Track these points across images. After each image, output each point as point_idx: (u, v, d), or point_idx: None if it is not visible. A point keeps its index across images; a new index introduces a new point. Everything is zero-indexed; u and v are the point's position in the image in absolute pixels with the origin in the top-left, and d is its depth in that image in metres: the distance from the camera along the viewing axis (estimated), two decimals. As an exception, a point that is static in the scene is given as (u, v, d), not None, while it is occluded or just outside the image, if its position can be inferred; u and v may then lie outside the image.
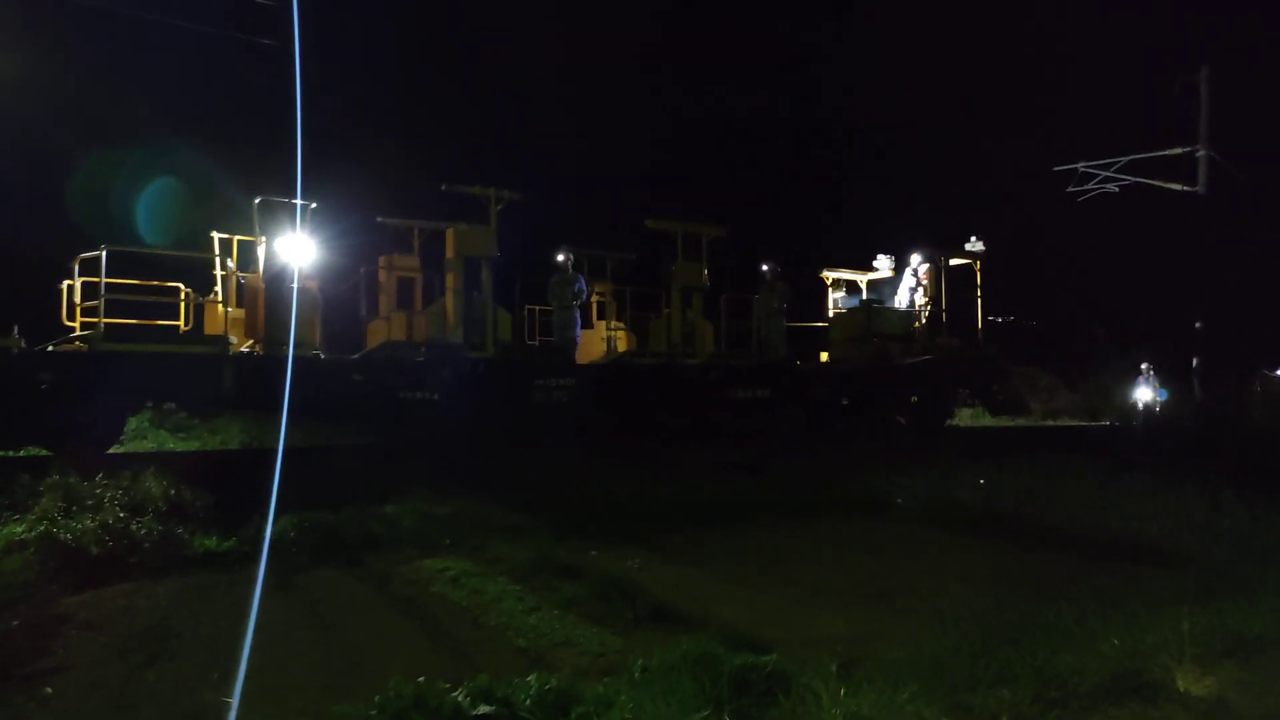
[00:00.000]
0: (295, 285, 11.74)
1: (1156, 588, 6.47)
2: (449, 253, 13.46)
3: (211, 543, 7.75)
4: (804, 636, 5.70)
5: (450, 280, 13.37)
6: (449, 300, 13.37)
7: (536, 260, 15.88)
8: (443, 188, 13.27)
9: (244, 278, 12.39)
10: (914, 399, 18.30)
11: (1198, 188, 22.24)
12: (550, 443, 13.43)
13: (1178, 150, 22.56)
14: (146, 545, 7.34)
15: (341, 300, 13.80)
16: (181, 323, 11.82)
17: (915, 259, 18.94)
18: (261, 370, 11.46)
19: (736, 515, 9.96)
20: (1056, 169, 24.36)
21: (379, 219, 14.31)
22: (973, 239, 19.25)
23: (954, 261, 19.20)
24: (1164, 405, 22.86)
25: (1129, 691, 4.47)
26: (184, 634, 5.79)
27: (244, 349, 11.87)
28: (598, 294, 16.37)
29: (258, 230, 12.07)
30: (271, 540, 7.96)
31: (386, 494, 9.51)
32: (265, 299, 11.83)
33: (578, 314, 15.27)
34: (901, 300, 19.05)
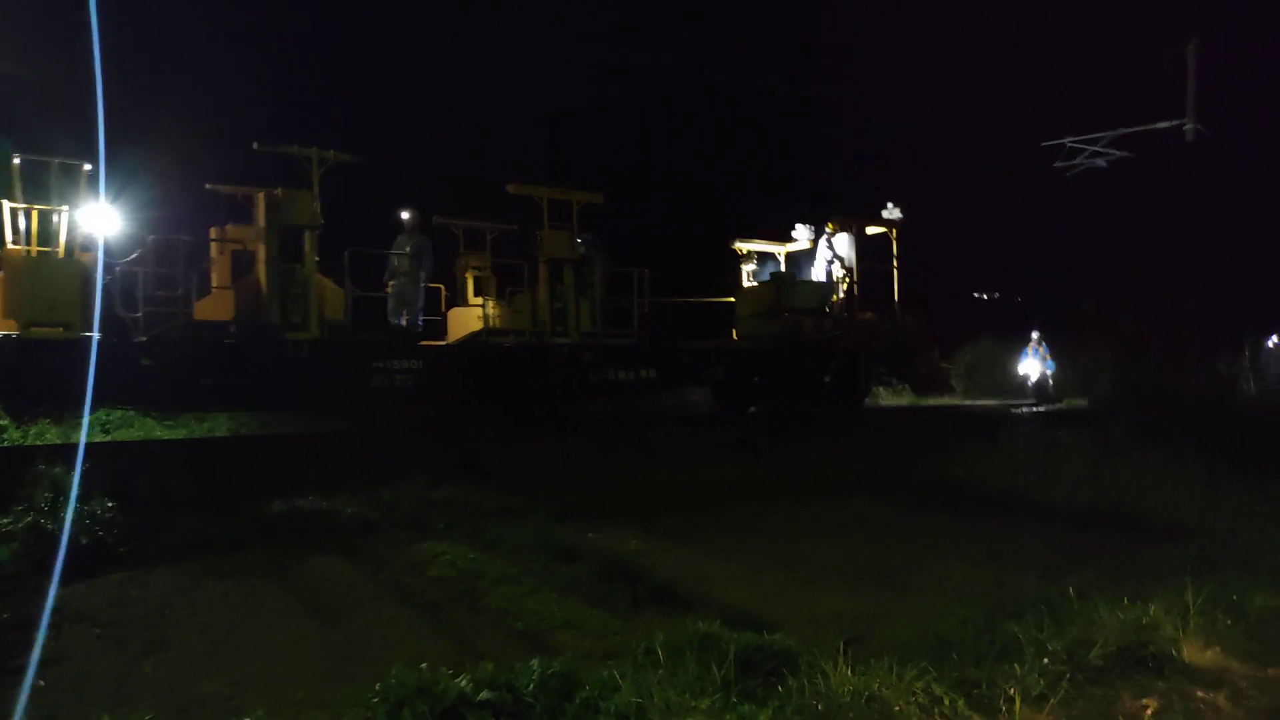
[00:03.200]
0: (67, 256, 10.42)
1: (1157, 560, 6.48)
2: (259, 220, 12.09)
3: (202, 531, 7.64)
4: (808, 615, 5.67)
5: (261, 252, 12.01)
6: (261, 274, 12.01)
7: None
8: (254, 147, 11.91)
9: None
10: (826, 378, 17.26)
11: (1185, 160, 22.29)
12: (391, 432, 12.23)
13: (1165, 124, 22.57)
14: (137, 534, 7.23)
15: (155, 278, 11.78)
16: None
17: (829, 228, 17.87)
18: (6, 355, 10.38)
19: (735, 496, 9.93)
20: (1044, 144, 24.35)
21: (208, 185, 12.71)
22: (889, 205, 18.34)
23: (870, 230, 18.13)
24: (1053, 378, 22.26)
25: (1135, 664, 4.46)
26: (180, 623, 5.71)
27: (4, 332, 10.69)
28: (475, 268, 15.11)
29: (18, 194, 10.70)
30: (265, 527, 7.88)
31: (380, 479, 9.42)
32: (20, 273, 10.48)
33: (422, 286, 14.19)
34: (818, 273, 17.96)
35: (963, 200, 36.44)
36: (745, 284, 18.12)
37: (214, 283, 12.57)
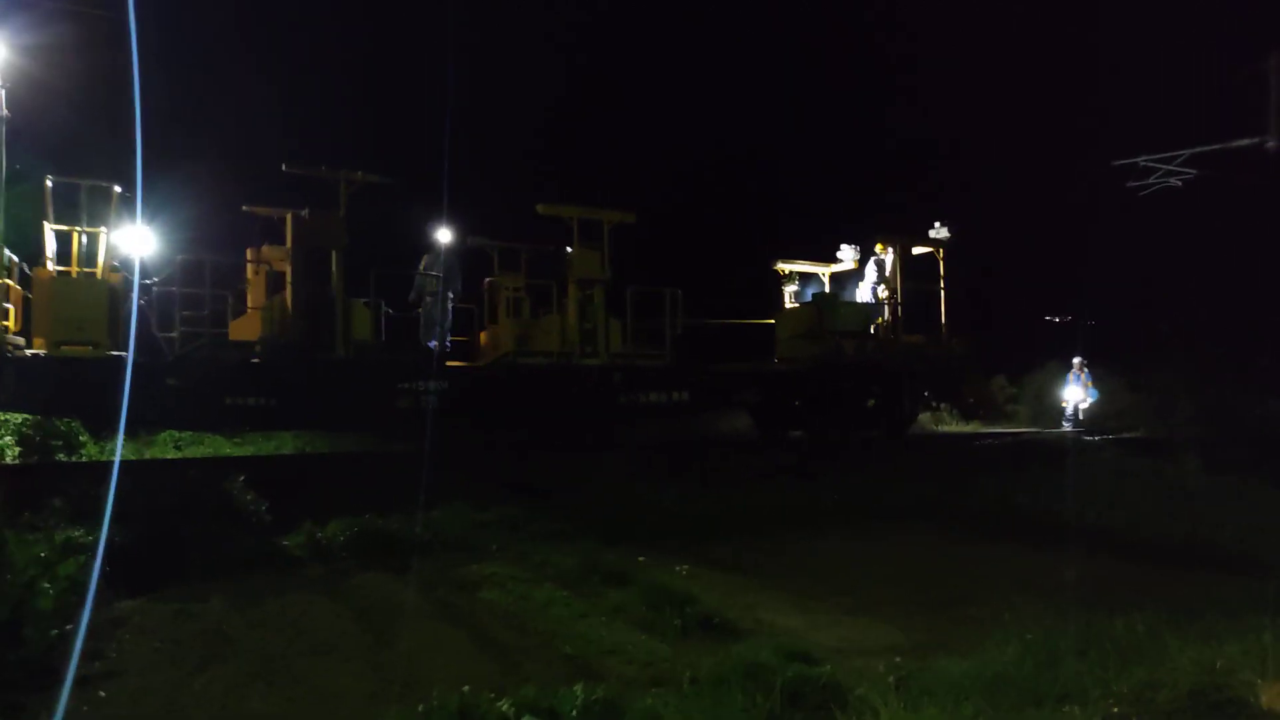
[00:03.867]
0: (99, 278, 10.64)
1: (1231, 596, 6.17)
2: (288, 242, 12.22)
3: (264, 546, 7.82)
4: (858, 646, 5.53)
5: (289, 273, 12.12)
6: (288, 295, 12.08)
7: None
8: (284, 169, 12.06)
9: (32, 271, 11.23)
10: (870, 402, 16.56)
11: (1268, 179, 21.46)
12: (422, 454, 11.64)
13: (1245, 141, 21.79)
14: (199, 549, 7.42)
15: (183, 298, 11.87)
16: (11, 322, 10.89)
17: (878, 248, 17.12)
18: (39, 373, 10.53)
19: (784, 522, 9.79)
20: (1116, 163, 23.69)
21: (245, 208, 12.94)
22: (937, 224, 17.59)
23: (916, 250, 17.32)
24: (1094, 406, 21.13)
25: (1209, 709, 4.23)
26: (235, 638, 5.81)
27: (35, 351, 10.94)
28: (512, 289, 14.79)
29: (50, 215, 10.94)
30: (321, 544, 8.01)
31: (433, 499, 9.52)
32: (48, 294, 10.77)
33: (450, 307, 13.93)
34: (864, 294, 17.28)
35: (1033, 221, 35.62)
36: (788, 305, 17.70)
37: (249, 303, 12.84)
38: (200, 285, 11.96)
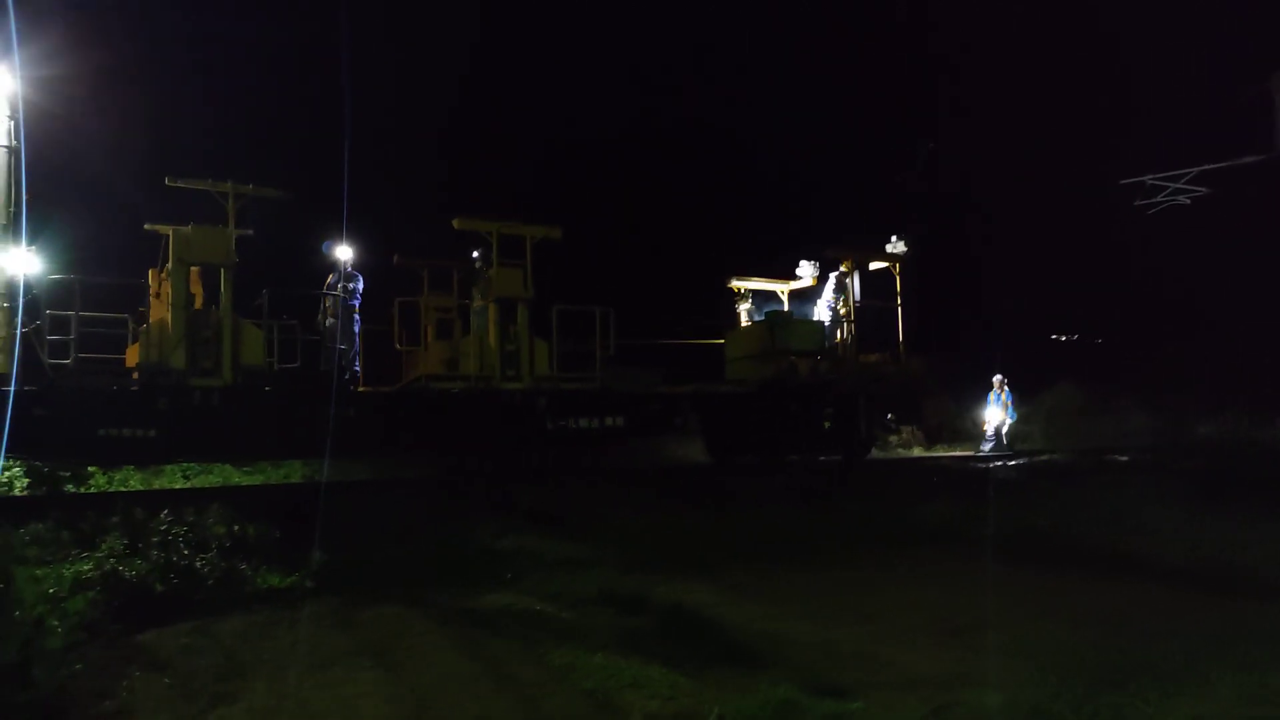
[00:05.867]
0: None
1: (1269, 624, 6.01)
2: (169, 259, 11.59)
3: (274, 579, 7.70)
4: (887, 679, 5.38)
5: (168, 293, 11.48)
6: (169, 317, 11.41)
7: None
8: (167, 182, 11.51)
9: None
10: (826, 424, 16.01)
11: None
12: (458, 481, 11.59)
13: (1251, 159, 21.78)
14: (210, 582, 7.31)
15: (53, 322, 11.43)
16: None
17: (846, 266, 16.73)
18: None
19: (802, 547, 9.65)
20: (1122, 181, 23.69)
21: (147, 226, 12.29)
22: (893, 239, 17.19)
23: (872, 265, 16.98)
24: (1013, 428, 20.23)
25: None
26: (247, 674, 5.69)
27: None
28: (440, 310, 14.47)
29: None
30: (333, 575, 7.89)
31: (445, 528, 9.42)
32: None
33: (356, 324, 13.24)
34: (821, 312, 16.89)
35: (1041, 239, 35.57)
36: (743, 324, 17.23)
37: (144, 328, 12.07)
38: (67, 309, 11.29)
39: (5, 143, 17.93)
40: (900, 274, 17.03)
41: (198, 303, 11.80)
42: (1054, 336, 35.66)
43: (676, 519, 10.30)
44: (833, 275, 16.70)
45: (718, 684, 5.26)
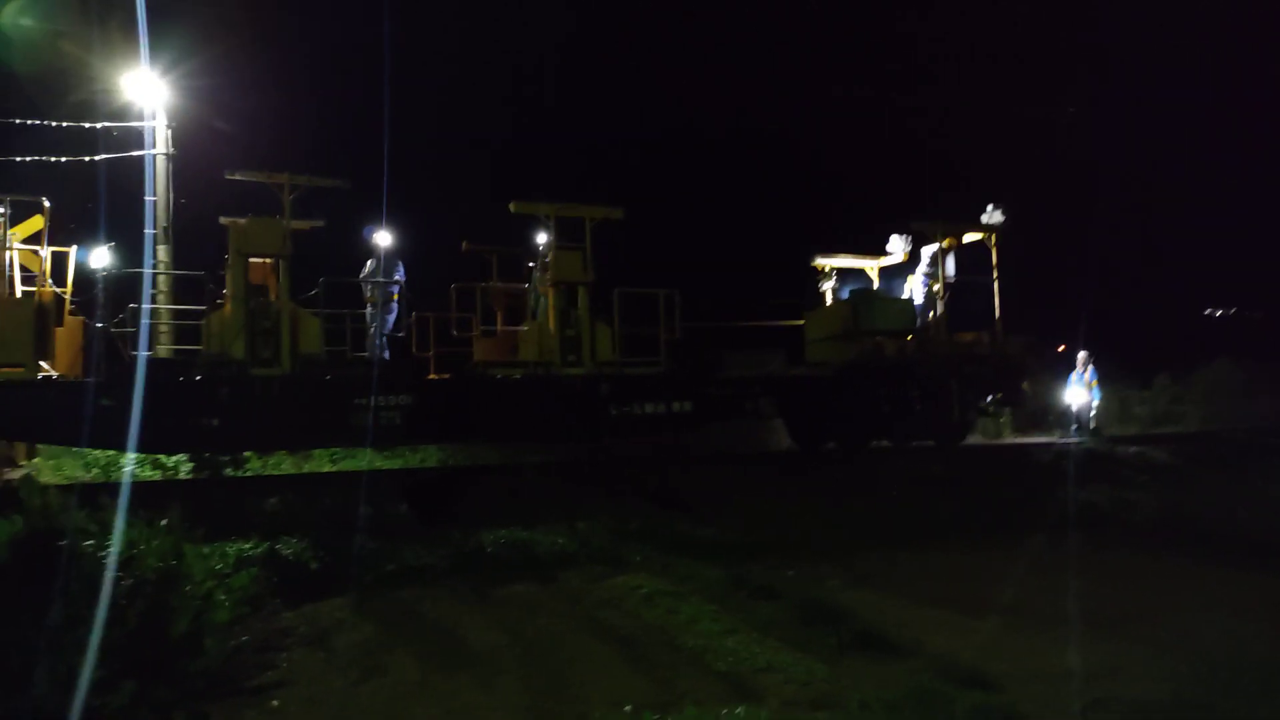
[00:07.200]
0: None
1: None
2: (229, 251, 11.63)
3: (415, 558, 8.03)
4: (1031, 670, 5.16)
5: (229, 284, 11.50)
6: (228, 308, 11.46)
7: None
8: (225, 175, 11.54)
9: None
10: (917, 408, 14.78)
11: None
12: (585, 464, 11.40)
13: None
14: (358, 560, 7.70)
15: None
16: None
17: (945, 241, 15.29)
18: None
19: (937, 532, 9.37)
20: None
21: (222, 219, 12.25)
22: (989, 208, 15.59)
23: (967, 237, 15.48)
24: (1098, 409, 18.02)
25: None
26: (394, 649, 5.97)
27: None
28: (509, 296, 14.07)
29: None
30: (471, 555, 8.17)
31: (574, 511, 9.59)
32: None
33: (393, 311, 12.98)
34: (915, 289, 15.56)
35: (1203, 208, 33.12)
36: (828, 304, 16.23)
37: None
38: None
39: (164, 150, 19.46)
40: (997, 246, 15.68)
41: (272, 294, 12.02)
42: (1208, 311, 33.20)
43: (801, 502, 10.16)
44: (925, 250, 15.58)
45: (854, 671, 5.18)
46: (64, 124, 18.31)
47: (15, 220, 11.61)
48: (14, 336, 10.53)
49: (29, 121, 18.08)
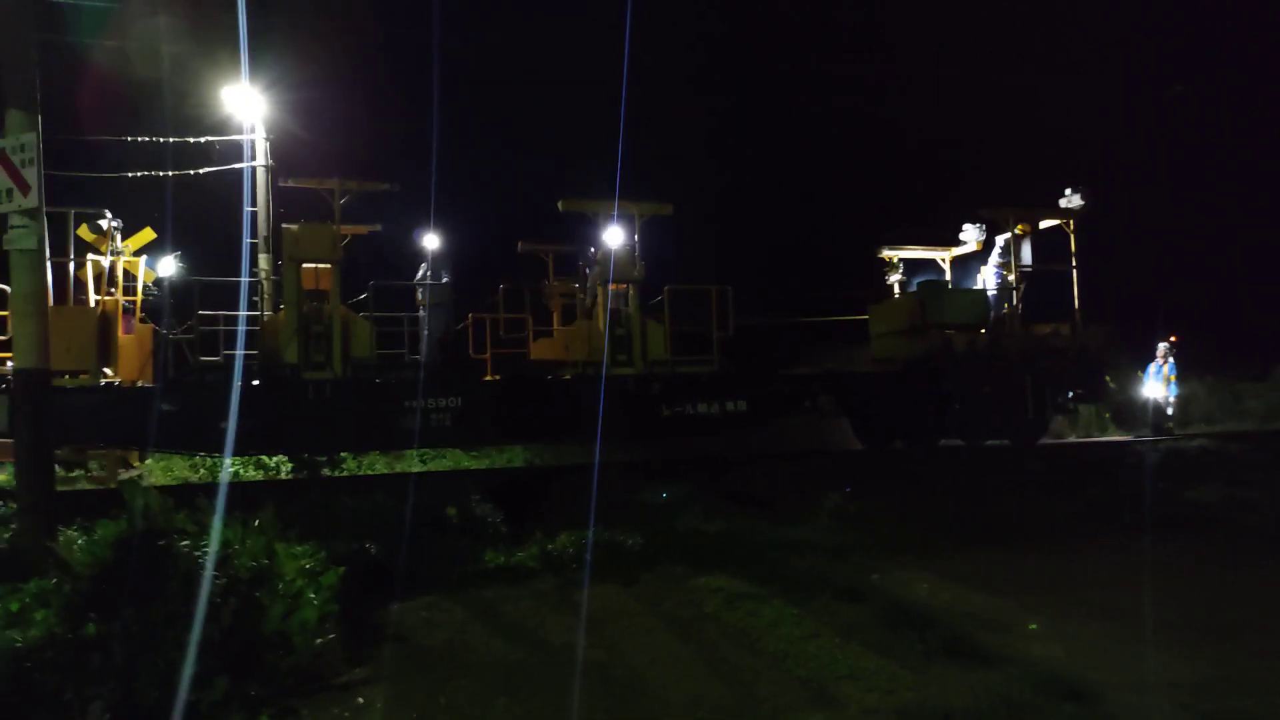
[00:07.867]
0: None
1: None
2: (282, 256, 11.87)
3: (500, 558, 8.14)
4: (1134, 681, 4.89)
5: (286, 289, 11.76)
6: (283, 313, 11.73)
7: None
8: (280, 182, 11.76)
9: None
10: (989, 406, 14.14)
11: None
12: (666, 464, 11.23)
13: None
14: (443, 560, 7.85)
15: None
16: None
17: (1020, 229, 14.65)
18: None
19: (1034, 532, 9.01)
20: None
21: (283, 225, 12.52)
22: (1068, 192, 14.74)
23: (1043, 224, 14.76)
24: (1174, 404, 16.83)
25: None
26: (478, 648, 6.05)
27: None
28: (564, 296, 14.05)
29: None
30: (553, 555, 8.23)
31: (654, 510, 9.58)
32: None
33: (445, 316, 13.06)
34: (987, 279, 14.98)
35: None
36: (896, 296, 15.72)
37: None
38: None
39: (264, 162, 20.27)
40: (1075, 232, 14.93)
41: (333, 299, 12.30)
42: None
43: (887, 500, 9.90)
44: (1000, 238, 14.92)
45: (941, 679, 5.00)
46: (171, 139, 19.27)
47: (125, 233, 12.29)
48: (78, 345, 11.07)
49: (140, 139, 19.11)
